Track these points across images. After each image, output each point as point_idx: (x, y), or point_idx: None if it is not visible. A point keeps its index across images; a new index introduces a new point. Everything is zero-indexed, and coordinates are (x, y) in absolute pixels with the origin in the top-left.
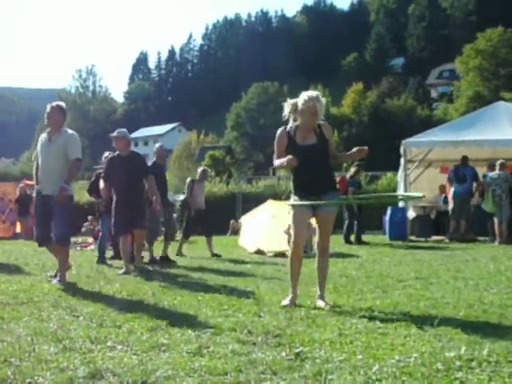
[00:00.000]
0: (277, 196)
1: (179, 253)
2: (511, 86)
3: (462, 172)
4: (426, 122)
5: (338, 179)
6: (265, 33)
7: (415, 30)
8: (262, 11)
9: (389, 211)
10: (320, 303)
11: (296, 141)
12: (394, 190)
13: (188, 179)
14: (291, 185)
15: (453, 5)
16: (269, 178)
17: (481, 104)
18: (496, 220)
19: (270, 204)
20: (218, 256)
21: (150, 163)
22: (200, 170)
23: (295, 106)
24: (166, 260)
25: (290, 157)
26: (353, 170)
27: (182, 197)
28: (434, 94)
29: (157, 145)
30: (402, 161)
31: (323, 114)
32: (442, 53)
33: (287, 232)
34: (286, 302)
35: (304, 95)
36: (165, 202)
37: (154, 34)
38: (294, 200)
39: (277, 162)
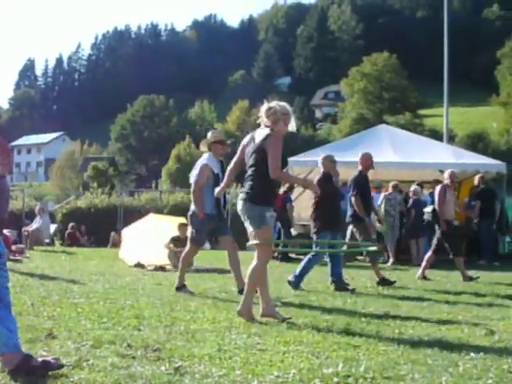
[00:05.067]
0: (159, 210)
1: (422, 275)
2: (394, 109)
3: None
4: (310, 142)
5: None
6: (154, 46)
7: (303, 51)
8: (151, 24)
9: None
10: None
11: None
12: None
13: (439, 185)
14: None
15: (341, 28)
16: (151, 191)
17: (364, 126)
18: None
19: (152, 217)
20: (473, 279)
21: (355, 174)
22: (448, 172)
23: (276, 112)
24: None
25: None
26: (287, 185)
27: (429, 208)
28: (318, 114)
29: (362, 152)
30: None
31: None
32: (328, 74)
33: (167, 246)
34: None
35: (286, 105)
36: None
37: (43, 40)
38: None
39: None
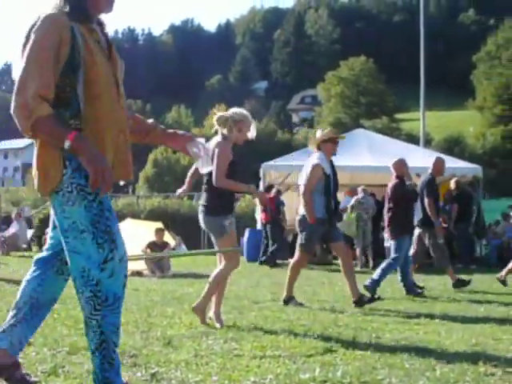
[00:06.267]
0: (136, 215)
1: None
2: (371, 114)
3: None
4: (287, 146)
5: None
6: (130, 50)
7: (280, 55)
8: (128, 28)
9: (247, 233)
10: (217, 324)
11: (234, 157)
12: (253, 211)
13: None
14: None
15: (318, 33)
16: (128, 196)
17: (341, 130)
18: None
19: (129, 223)
20: None
21: (428, 177)
22: None
23: (227, 119)
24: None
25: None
26: (274, 190)
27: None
28: (295, 118)
29: (436, 157)
30: (262, 184)
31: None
32: (305, 79)
33: (144, 251)
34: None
35: (242, 111)
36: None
37: (20, 45)
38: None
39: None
